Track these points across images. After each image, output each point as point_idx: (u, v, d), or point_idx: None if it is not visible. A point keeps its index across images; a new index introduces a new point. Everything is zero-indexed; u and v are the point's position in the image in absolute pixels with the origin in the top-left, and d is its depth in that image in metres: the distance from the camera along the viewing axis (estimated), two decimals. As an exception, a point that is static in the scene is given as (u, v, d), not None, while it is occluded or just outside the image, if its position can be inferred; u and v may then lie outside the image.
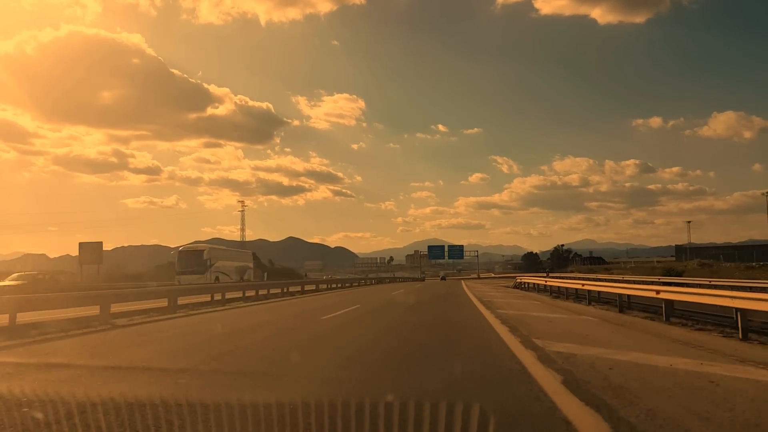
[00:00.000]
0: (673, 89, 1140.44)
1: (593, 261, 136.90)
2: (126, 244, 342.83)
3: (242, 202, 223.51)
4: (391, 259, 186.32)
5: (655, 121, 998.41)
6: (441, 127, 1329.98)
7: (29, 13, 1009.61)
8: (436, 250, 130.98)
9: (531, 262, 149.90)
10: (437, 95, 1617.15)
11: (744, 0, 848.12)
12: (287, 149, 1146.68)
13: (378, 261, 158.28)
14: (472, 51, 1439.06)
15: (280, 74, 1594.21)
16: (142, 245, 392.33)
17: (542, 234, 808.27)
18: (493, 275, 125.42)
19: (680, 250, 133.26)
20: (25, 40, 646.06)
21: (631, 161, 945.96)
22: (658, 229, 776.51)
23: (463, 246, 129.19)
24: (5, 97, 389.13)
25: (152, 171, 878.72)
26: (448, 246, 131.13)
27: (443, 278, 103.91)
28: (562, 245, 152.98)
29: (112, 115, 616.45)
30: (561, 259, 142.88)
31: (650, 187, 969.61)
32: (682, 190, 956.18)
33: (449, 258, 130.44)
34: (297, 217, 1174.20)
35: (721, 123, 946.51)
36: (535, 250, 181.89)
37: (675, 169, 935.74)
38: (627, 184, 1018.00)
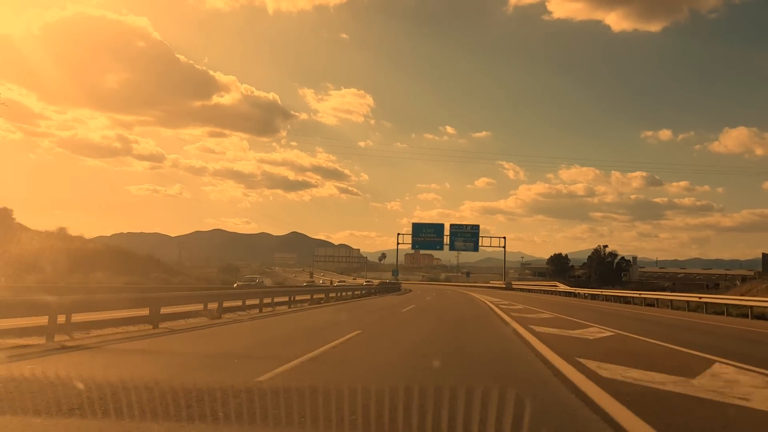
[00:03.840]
0: (686, 102, 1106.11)
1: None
2: (126, 231, 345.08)
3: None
4: (384, 255, 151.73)
5: (665, 134, 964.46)
6: (449, 129, 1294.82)
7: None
8: (426, 233, 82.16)
9: (560, 267, 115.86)
10: (446, 96, 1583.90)
11: (765, 11, 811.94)
12: (293, 143, 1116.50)
13: (351, 256, 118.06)
14: (482, 52, 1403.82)
15: (287, 65, 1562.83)
16: (141, 233, 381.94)
17: (546, 242, 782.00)
18: (529, 285, 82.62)
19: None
20: (31, 18, 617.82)
21: (638, 173, 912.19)
22: (663, 243, 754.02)
23: (478, 228, 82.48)
24: (11, 76, 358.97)
25: (156, 158, 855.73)
26: (452, 227, 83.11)
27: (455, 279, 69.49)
28: (565, 254, 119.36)
29: (116, 99, 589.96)
30: (561, 268, 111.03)
31: (656, 200, 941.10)
32: (689, 205, 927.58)
33: (453, 248, 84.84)
34: (302, 212, 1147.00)
35: (732, 139, 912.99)
36: (539, 257, 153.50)
37: (683, 183, 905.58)
38: (633, 196, 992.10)
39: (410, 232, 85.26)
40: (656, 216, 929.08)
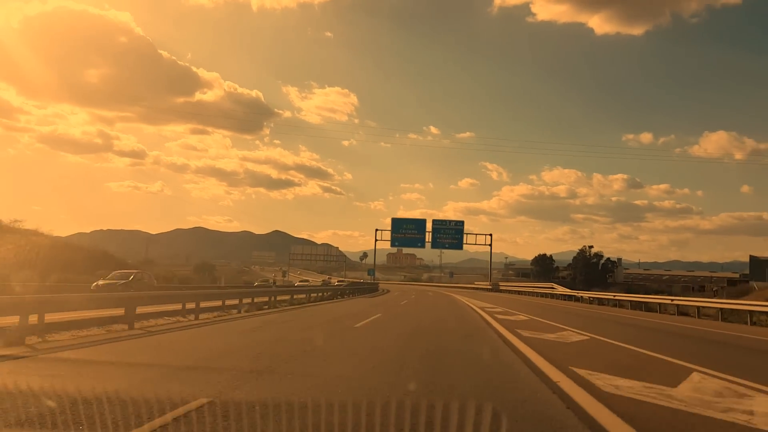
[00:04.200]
0: (667, 106, 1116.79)
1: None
2: (105, 228, 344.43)
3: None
4: (365, 255, 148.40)
5: (646, 137, 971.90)
6: (433, 129, 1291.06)
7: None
8: (407, 229, 77.28)
9: (545, 268, 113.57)
10: (430, 96, 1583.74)
11: (746, 17, 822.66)
12: (276, 141, 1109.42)
13: (330, 255, 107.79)
14: (466, 52, 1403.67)
15: (271, 62, 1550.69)
16: (121, 230, 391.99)
17: (528, 243, 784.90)
18: (518, 286, 75.21)
19: (757, 263, 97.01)
20: (11, 12, 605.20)
21: (619, 176, 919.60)
22: (643, 245, 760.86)
23: (462, 224, 78.46)
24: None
25: (137, 155, 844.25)
26: (435, 223, 78.76)
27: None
28: (549, 255, 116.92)
29: (97, 94, 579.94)
30: (546, 269, 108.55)
31: (637, 202, 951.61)
32: (669, 208, 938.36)
33: (436, 246, 79.68)
34: (285, 211, 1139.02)
35: (712, 142, 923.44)
36: (521, 258, 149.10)
37: (663, 186, 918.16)
38: (614, 198, 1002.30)
39: (390, 229, 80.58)
40: (637, 218, 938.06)
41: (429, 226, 79.35)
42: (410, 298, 42.03)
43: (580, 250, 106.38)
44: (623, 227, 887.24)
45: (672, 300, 30.29)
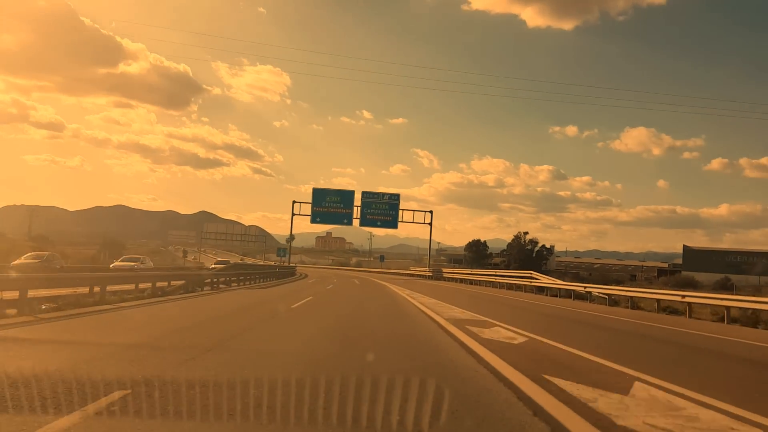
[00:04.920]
0: (592, 100, 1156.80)
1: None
2: (20, 204, 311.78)
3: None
4: (292, 237, 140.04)
5: (572, 130, 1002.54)
6: (366, 114, 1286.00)
7: None
8: (331, 202, 67.07)
9: (478, 254, 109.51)
10: (364, 80, 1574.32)
11: (669, 18, 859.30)
12: (205, 119, 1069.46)
13: (247, 234, 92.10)
14: (401, 37, 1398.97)
15: (200, 36, 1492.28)
16: (36, 206, 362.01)
17: (456, 230, 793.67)
18: (470, 274, 59.10)
19: (691, 254, 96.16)
20: None
21: (545, 167, 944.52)
22: (564, 235, 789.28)
23: (398, 198, 68.07)
24: None
25: (55, 127, 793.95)
26: (365, 196, 68.11)
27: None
28: (483, 241, 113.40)
29: (12, 60, 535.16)
30: (480, 255, 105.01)
31: (560, 193, 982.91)
32: (590, 199, 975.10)
33: (366, 224, 69.09)
34: (212, 191, 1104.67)
35: (632, 138, 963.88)
36: (449, 245, 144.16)
37: (585, 178, 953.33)
38: (539, 189, 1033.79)
39: (311, 201, 68.57)
40: (560, 209, 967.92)
41: (358, 199, 68.78)
42: (325, 289, 32.57)
43: (515, 236, 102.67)
44: (547, 217, 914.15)
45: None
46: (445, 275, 64.29)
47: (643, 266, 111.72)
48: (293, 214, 68.46)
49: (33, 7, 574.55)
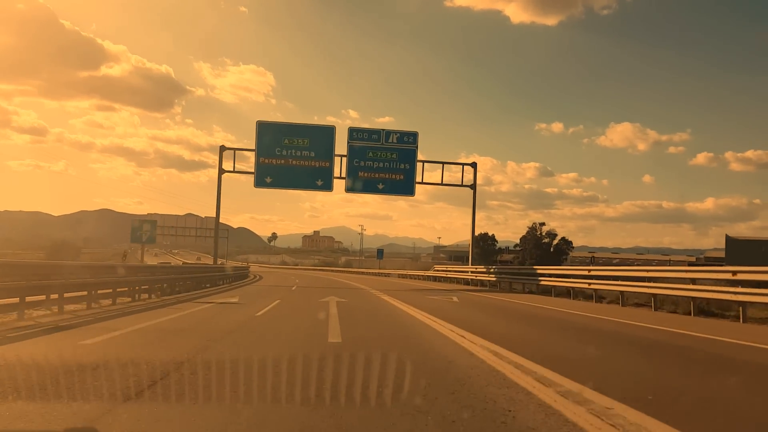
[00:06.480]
0: (577, 96, 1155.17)
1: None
2: (2, 209, 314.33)
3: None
4: (274, 236, 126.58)
5: (557, 127, 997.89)
6: (353, 113, 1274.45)
7: None
8: (290, 147, 34.31)
9: (486, 250, 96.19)
10: (350, 79, 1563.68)
11: (653, 11, 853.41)
12: (189, 120, 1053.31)
13: (202, 228, 73.93)
14: (386, 36, 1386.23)
15: (182, 36, 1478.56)
16: (21, 211, 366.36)
17: (446, 228, 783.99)
18: (455, 269, 44.83)
19: (735, 245, 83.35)
20: None
21: (532, 164, 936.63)
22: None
23: (415, 138, 35.70)
24: None
25: (38, 132, 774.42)
26: (353, 133, 35.50)
27: None
28: (491, 234, 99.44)
29: None
30: (488, 251, 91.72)
31: (548, 190, 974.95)
32: (577, 195, 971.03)
33: (356, 187, 35.41)
34: (198, 193, 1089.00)
35: (618, 133, 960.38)
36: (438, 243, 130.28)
37: (572, 174, 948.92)
38: (527, 186, 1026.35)
39: (255, 139, 35.55)
40: (547, 205, 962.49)
41: (343, 143, 36.66)
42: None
43: (529, 228, 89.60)
44: (535, 214, 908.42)
45: None
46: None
47: (669, 260, 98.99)
48: (222, 171, 37.21)
49: (11, 11, 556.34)
